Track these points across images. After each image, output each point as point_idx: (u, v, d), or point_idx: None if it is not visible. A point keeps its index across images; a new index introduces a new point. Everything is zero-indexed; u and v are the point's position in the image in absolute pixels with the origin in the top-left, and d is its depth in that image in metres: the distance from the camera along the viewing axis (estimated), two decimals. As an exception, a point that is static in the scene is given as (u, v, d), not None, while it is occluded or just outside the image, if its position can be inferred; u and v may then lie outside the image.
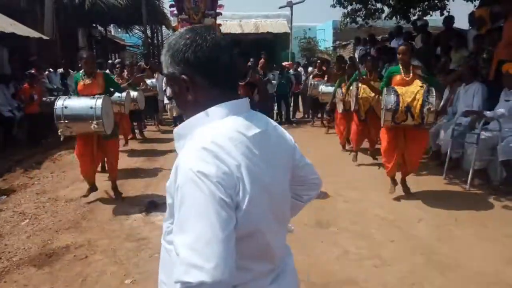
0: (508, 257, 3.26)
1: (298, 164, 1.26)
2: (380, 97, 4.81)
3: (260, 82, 5.70)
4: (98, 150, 4.63)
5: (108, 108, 4.49)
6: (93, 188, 4.72)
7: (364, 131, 6.14)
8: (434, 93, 4.21)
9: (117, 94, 6.94)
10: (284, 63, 11.85)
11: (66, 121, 4.18)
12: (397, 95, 4.24)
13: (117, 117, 5.66)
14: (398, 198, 4.64)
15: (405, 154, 4.53)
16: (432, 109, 4.12)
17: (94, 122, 4.12)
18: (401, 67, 4.49)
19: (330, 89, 8.51)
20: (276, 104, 10.68)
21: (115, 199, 4.69)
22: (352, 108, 6.14)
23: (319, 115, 10.06)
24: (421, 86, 4.27)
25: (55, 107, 4.23)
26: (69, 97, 4.51)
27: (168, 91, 9.90)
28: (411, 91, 4.26)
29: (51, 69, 9.26)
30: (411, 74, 4.43)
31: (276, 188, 1.06)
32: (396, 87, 4.38)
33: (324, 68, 9.65)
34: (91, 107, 4.20)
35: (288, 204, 1.18)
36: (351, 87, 6.21)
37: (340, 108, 6.75)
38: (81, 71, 4.74)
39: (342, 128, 6.93)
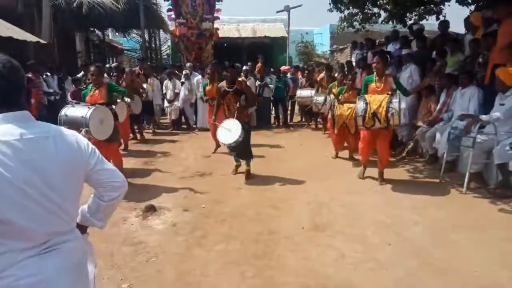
0: (503, 261, 3.27)
1: (94, 169, 1.54)
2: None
3: (247, 88, 5.57)
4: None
5: (104, 116, 4.86)
6: None
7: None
8: (398, 98, 4.85)
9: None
10: (282, 68, 11.88)
11: (66, 127, 4.46)
12: (366, 103, 4.88)
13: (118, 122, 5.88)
14: (394, 203, 4.66)
15: (378, 151, 5.38)
16: (395, 113, 4.77)
17: (83, 130, 4.50)
18: (375, 76, 5.20)
19: (307, 93, 9.10)
20: (273, 108, 10.72)
21: None
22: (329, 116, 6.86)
23: (312, 121, 10.20)
24: (388, 93, 4.91)
25: (59, 113, 4.71)
26: (73, 106, 4.86)
27: (169, 94, 9.95)
28: (378, 99, 4.88)
29: (48, 73, 9.26)
30: (382, 83, 5.09)
31: (34, 185, 1.32)
32: (367, 96, 5.04)
33: (318, 74, 9.73)
34: (82, 116, 4.60)
35: (66, 198, 1.44)
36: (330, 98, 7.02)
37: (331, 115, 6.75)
38: (90, 85, 5.26)
39: (335, 136, 6.71)
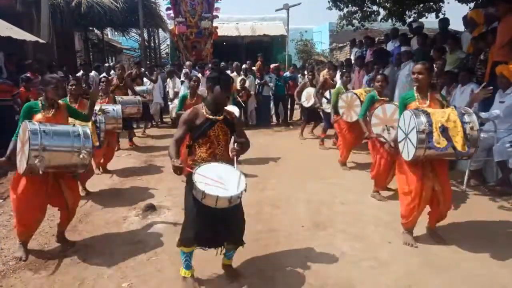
0: (503, 258, 3.28)
1: None
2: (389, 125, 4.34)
3: (240, 124, 3.14)
4: (53, 191, 3.47)
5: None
6: (25, 246, 3.43)
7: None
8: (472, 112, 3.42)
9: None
10: (272, 66, 11.57)
11: (45, 149, 3.12)
12: (427, 115, 3.33)
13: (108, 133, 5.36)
14: (394, 200, 4.65)
15: (436, 191, 3.47)
16: (474, 129, 3.28)
17: (84, 151, 3.30)
18: (416, 91, 3.58)
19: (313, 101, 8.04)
20: (274, 106, 10.71)
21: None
22: (356, 117, 5.44)
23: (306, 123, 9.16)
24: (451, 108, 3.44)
25: (28, 129, 3.11)
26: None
27: (171, 93, 9.96)
28: (438, 112, 3.39)
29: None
30: (428, 100, 3.52)
31: None
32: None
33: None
34: (78, 134, 3.34)
35: None
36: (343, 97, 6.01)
37: (353, 115, 5.80)
38: (39, 99, 3.55)
39: (348, 141, 6.16)
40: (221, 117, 2.94)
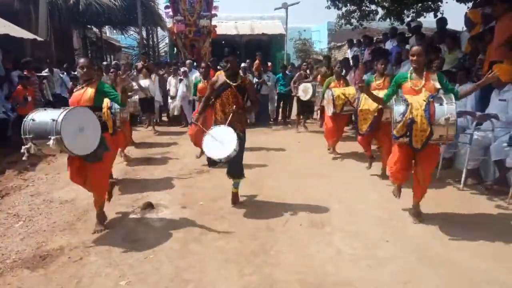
0: (501, 256, 3.29)
1: None
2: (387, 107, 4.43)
3: (251, 87, 4.36)
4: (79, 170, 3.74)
5: (86, 122, 3.50)
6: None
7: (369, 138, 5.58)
8: (453, 100, 3.54)
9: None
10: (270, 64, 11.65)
11: (30, 135, 3.34)
12: (407, 105, 3.62)
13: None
14: (392, 198, 4.66)
15: (417, 172, 3.89)
16: (452, 120, 3.44)
17: (52, 137, 3.20)
18: (411, 71, 3.82)
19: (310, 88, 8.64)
20: (276, 103, 10.72)
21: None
22: (330, 113, 6.51)
23: (302, 119, 9.58)
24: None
25: (25, 118, 3.41)
26: (45, 109, 3.60)
27: (172, 90, 9.95)
28: (417, 100, 3.63)
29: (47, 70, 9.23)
30: (423, 80, 3.72)
31: None
32: (407, 96, 3.75)
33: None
34: (53, 119, 3.25)
35: None
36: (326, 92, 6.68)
37: (329, 110, 6.56)
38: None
39: (331, 131, 6.72)
40: (236, 83, 4.10)
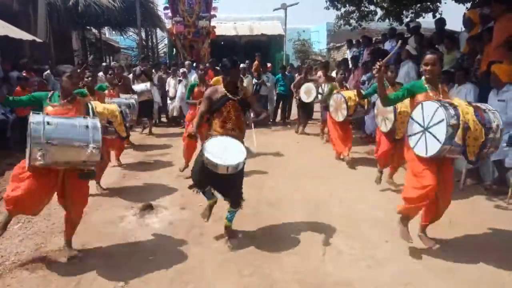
0: (500, 256, 3.29)
1: None
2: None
3: (253, 100, 3.92)
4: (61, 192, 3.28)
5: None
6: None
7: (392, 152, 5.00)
8: (491, 108, 3.14)
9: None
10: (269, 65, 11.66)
11: (49, 141, 2.92)
12: (455, 107, 3.03)
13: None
14: (391, 199, 4.66)
15: (438, 191, 3.25)
16: (501, 127, 3.03)
17: (92, 145, 3.02)
18: (426, 83, 3.31)
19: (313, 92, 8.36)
20: (275, 104, 10.72)
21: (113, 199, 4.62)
22: (341, 118, 6.04)
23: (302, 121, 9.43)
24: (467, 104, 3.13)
25: (30, 121, 2.94)
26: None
27: (171, 91, 9.95)
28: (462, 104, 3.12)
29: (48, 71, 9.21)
30: (440, 93, 3.30)
31: None
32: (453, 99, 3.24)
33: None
34: (87, 126, 3.08)
35: None
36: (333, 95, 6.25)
37: (340, 116, 6.12)
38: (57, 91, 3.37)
39: (342, 138, 6.33)
40: (237, 97, 3.52)
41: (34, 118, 2.96)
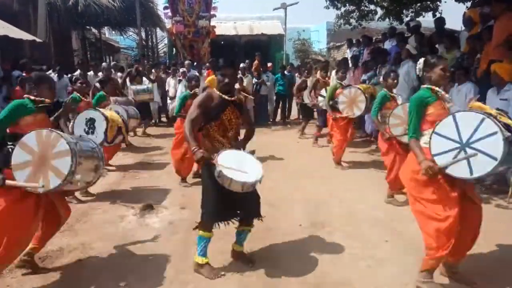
0: (501, 256, 3.29)
1: None
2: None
3: (246, 108, 3.60)
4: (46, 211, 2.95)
5: None
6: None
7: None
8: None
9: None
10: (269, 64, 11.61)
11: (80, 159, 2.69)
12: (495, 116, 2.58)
13: None
14: (392, 199, 4.66)
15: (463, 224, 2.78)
16: None
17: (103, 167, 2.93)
18: (435, 90, 2.83)
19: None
20: (274, 104, 10.72)
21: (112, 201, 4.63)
22: (356, 114, 5.76)
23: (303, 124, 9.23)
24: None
25: (64, 140, 2.63)
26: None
27: (171, 91, 9.95)
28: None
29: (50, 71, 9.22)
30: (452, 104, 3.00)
31: None
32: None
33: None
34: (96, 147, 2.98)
35: None
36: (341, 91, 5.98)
37: (354, 111, 5.81)
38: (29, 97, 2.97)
39: (342, 139, 6.10)
40: (233, 98, 3.12)
41: (66, 138, 2.67)
